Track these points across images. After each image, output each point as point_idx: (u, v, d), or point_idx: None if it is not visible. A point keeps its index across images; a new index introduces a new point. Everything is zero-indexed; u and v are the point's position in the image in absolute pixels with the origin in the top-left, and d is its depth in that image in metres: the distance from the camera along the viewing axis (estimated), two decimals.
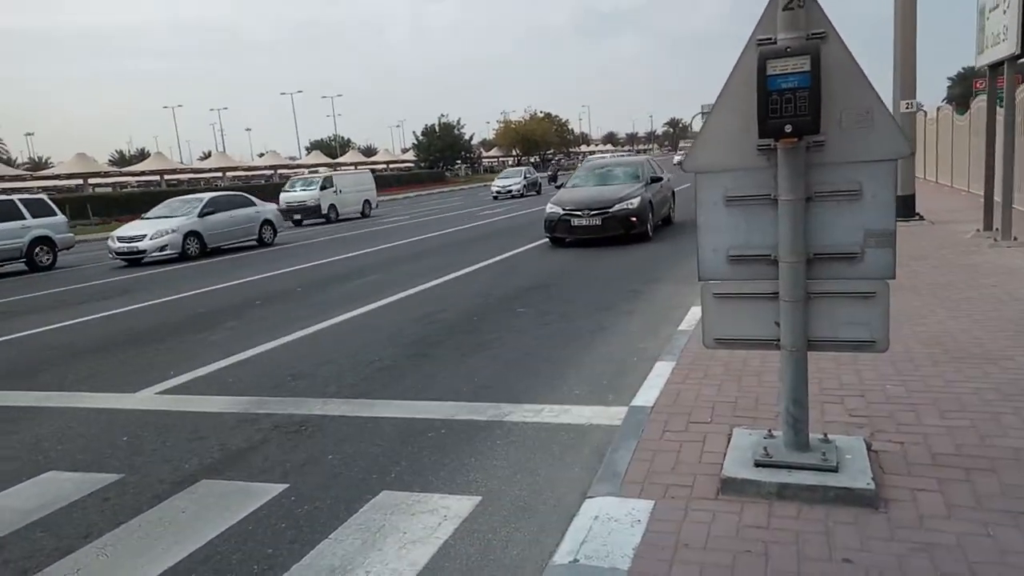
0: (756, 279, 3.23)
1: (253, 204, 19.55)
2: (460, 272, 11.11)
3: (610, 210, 12.63)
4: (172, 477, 4.06)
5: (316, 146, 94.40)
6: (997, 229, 9.55)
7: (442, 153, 69.51)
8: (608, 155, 74.99)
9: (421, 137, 71.48)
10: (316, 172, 39.13)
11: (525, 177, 37.02)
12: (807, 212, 3.08)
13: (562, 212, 13.00)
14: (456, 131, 71.65)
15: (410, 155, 79.05)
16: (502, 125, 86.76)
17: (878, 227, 3.05)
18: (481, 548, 3.06)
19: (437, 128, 71.03)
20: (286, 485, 3.83)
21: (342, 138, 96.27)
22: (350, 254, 15.38)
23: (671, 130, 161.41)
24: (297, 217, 26.90)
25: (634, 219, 12.58)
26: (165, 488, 3.91)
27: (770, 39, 3.03)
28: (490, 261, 12.24)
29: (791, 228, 3.08)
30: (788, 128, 2.91)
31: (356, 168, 55.60)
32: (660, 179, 14.38)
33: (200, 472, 4.10)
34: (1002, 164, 9.46)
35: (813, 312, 3.17)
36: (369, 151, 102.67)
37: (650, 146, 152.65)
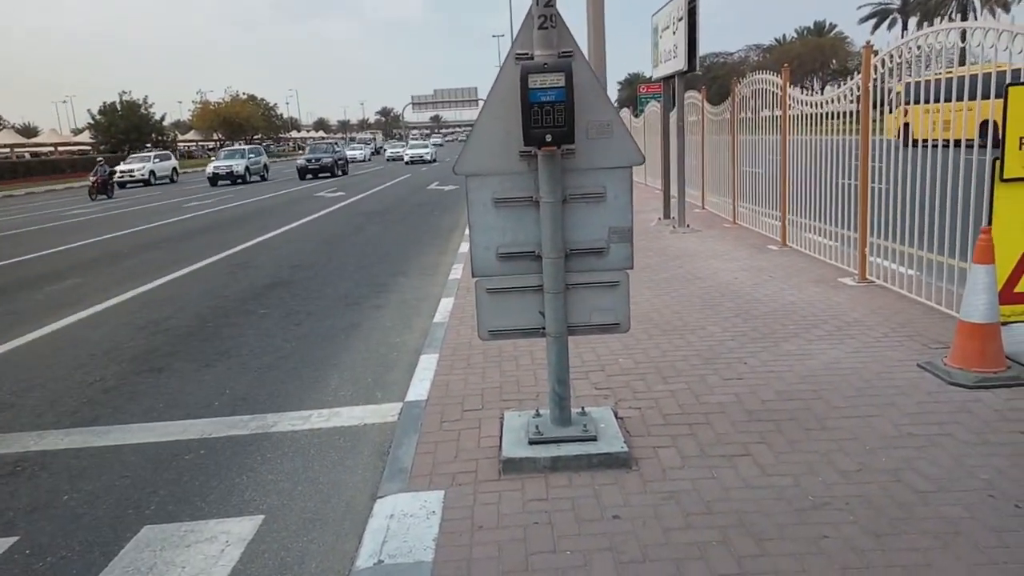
0: (523, 274, 3.54)
1: None
2: None
3: None
4: None
5: None
6: (674, 218, 11.39)
7: (126, 135, 61.22)
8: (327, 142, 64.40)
9: (99, 116, 62.24)
10: None
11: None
12: (564, 212, 3.45)
13: None
14: (143, 110, 63.68)
15: (85, 136, 68.45)
16: (199, 106, 79.35)
17: (619, 224, 3.54)
18: (276, 567, 2.93)
19: (119, 106, 62.43)
20: (15, 538, 3.24)
21: None
22: None
23: (383, 119, 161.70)
24: None
25: None
26: None
27: (527, 54, 3.32)
28: None
29: (551, 227, 3.42)
30: (548, 137, 3.23)
31: None
32: None
33: None
34: (676, 161, 11.29)
35: (571, 301, 3.57)
36: (30, 130, 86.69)
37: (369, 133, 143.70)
